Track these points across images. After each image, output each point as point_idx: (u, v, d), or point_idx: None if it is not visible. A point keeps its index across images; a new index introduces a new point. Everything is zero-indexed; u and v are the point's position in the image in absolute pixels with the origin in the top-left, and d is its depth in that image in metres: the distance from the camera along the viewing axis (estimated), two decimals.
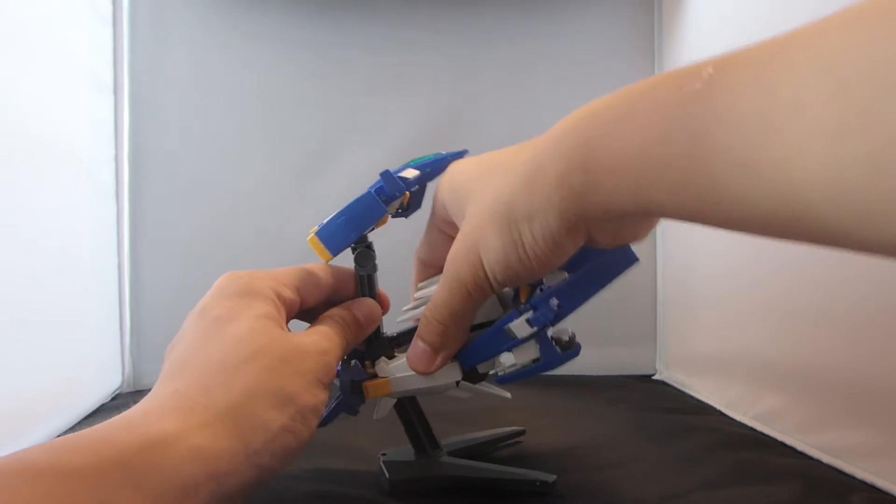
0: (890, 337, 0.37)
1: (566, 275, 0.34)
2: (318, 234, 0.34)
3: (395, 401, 0.37)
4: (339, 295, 0.35)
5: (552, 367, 0.34)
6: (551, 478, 0.36)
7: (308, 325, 0.36)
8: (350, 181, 0.69)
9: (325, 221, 0.34)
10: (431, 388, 0.35)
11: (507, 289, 0.35)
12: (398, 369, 0.35)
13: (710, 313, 0.60)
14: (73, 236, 0.56)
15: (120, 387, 0.65)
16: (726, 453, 0.43)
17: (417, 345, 0.34)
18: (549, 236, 0.27)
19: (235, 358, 0.26)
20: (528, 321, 0.33)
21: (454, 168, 0.34)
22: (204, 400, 0.24)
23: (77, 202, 0.58)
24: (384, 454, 0.39)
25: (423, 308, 0.35)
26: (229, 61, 0.69)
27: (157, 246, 0.67)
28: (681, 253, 0.67)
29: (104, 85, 0.64)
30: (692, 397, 0.61)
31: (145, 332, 0.67)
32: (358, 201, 0.34)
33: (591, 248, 0.32)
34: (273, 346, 0.27)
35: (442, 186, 0.34)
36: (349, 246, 0.34)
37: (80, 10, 0.59)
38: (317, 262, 0.35)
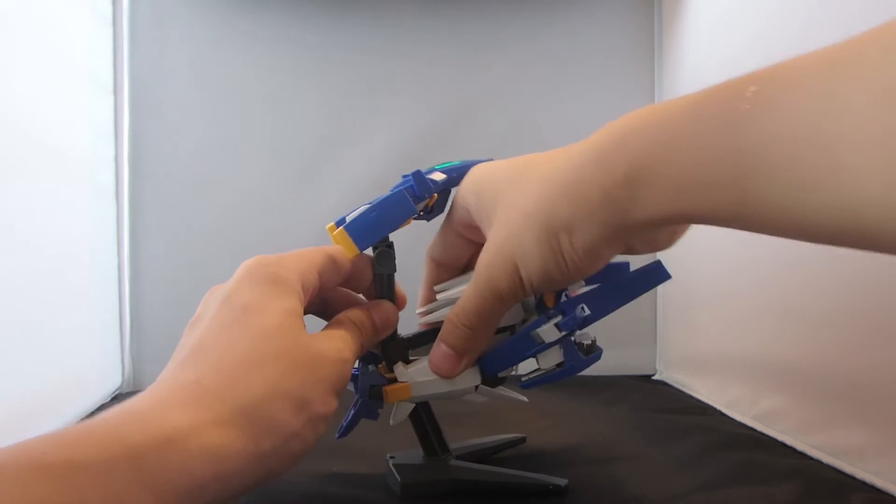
0: (890, 337, 0.37)
1: (583, 283, 0.35)
2: (346, 227, 0.33)
3: (412, 406, 0.37)
4: (352, 282, 0.35)
5: (576, 372, 0.35)
6: (563, 482, 0.36)
7: (313, 315, 0.36)
8: (349, 181, 0.69)
9: (351, 215, 0.34)
10: (451, 393, 0.35)
11: None
12: (418, 374, 0.35)
13: (710, 313, 0.60)
14: (73, 236, 0.56)
15: (120, 387, 0.65)
16: (726, 453, 0.43)
17: (441, 348, 0.34)
18: (590, 246, 0.28)
19: (259, 353, 0.26)
20: (556, 326, 0.33)
21: (479, 172, 0.34)
22: (222, 394, 0.24)
23: (77, 202, 0.58)
24: (392, 456, 0.39)
25: (440, 311, 0.36)
26: (229, 61, 0.69)
27: (157, 246, 0.67)
28: (681, 253, 0.67)
29: (104, 85, 0.64)
30: (692, 397, 0.61)
31: (145, 332, 0.67)
32: (389, 199, 0.33)
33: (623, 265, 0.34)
34: (298, 348, 0.27)
35: (465, 190, 0.34)
36: (378, 239, 0.34)
37: (80, 11, 0.59)
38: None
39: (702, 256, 0.61)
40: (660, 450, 0.45)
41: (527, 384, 0.36)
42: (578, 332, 0.35)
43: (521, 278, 0.30)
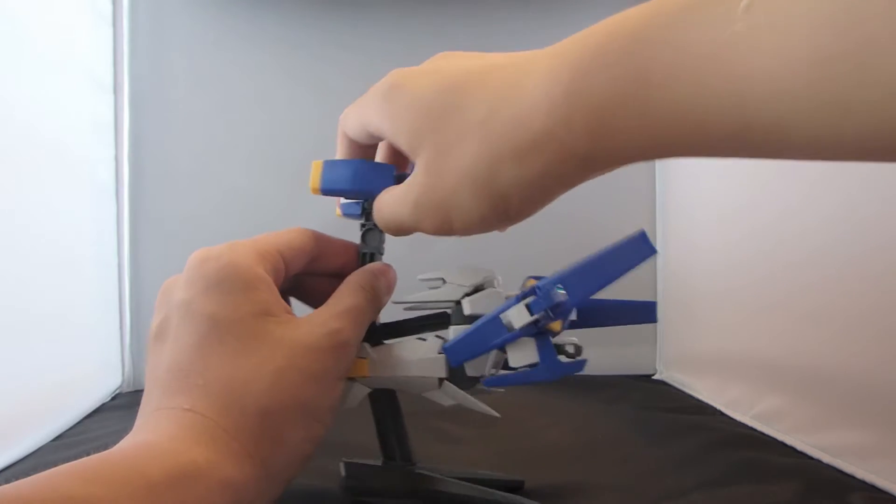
0: (890, 337, 0.37)
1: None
2: (325, 163, 0.34)
3: (368, 390, 0.34)
4: (321, 263, 0.33)
5: (551, 377, 0.30)
6: None
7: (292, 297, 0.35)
8: None
9: (334, 160, 0.34)
10: (412, 381, 0.32)
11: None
12: (380, 353, 0.33)
13: (711, 313, 0.60)
14: (73, 236, 0.56)
15: (120, 386, 0.65)
16: (726, 453, 0.43)
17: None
18: (542, 196, 0.25)
19: (243, 372, 0.25)
20: (527, 307, 0.29)
21: (399, 80, 0.29)
22: (223, 423, 0.24)
23: (77, 202, 0.58)
24: (346, 461, 0.35)
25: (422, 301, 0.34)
26: (229, 61, 0.69)
27: (157, 245, 0.67)
28: (681, 252, 0.67)
29: (104, 85, 0.64)
30: (692, 397, 0.61)
31: (145, 332, 0.66)
32: (373, 163, 0.34)
33: None
34: (280, 352, 0.26)
35: (377, 104, 0.30)
36: (343, 192, 0.33)
37: (80, 10, 0.59)
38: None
39: (702, 256, 0.61)
40: (660, 449, 0.45)
41: (491, 381, 0.32)
42: (563, 337, 0.32)
43: (452, 225, 0.26)
